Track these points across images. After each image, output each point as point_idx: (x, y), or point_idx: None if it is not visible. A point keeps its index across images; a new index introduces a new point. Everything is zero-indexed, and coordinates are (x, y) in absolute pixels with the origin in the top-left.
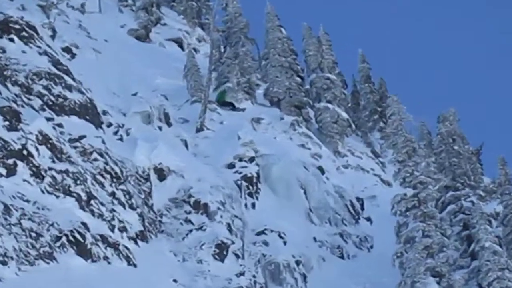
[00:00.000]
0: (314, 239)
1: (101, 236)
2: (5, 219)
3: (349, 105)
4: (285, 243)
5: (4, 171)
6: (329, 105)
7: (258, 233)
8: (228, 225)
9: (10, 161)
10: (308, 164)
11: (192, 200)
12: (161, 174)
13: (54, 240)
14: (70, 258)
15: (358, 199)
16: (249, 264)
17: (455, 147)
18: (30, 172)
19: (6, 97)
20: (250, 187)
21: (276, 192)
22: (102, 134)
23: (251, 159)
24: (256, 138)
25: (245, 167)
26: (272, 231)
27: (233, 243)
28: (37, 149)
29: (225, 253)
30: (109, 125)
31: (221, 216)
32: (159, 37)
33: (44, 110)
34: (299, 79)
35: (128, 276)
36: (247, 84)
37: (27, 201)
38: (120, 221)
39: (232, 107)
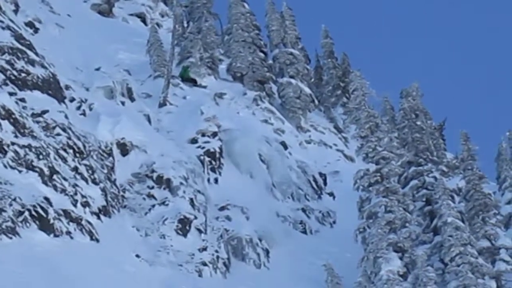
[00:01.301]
0: (277, 214)
1: (63, 211)
2: None
3: (312, 80)
4: (247, 218)
5: None
6: (292, 80)
7: (221, 208)
8: (191, 200)
9: None
10: (271, 139)
11: (155, 175)
12: (124, 149)
13: (17, 215)
14: (33, 233)
15: (321, 174)
16: (211, 239)
17: (418, 123)
18: None
19: None
20: (213, 162)
21: (239, 167)
22: (65, 109)
23: (214, 134)
24: (219, 113)
25: (208, 142)
26: (235, 206)
27: (195, 218)
28: None
29: (187, 228)
30: (72, 100)
31: (184, 191)
32: (122, 12)
33: (6, 85)
34: (262, 54)
35: (91, 251)
36: (210, 59)
37: None
38: (83, 196)
39: (194, 83)
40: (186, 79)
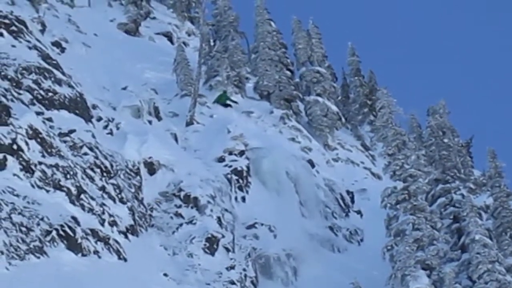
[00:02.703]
0: (305, 232)
1: (91, 230)
2: None
3: (339, 98)
4: (275, 236)
5: None
6: (319, 98)
7: (249, 227)
8: (218, 219)
9: (0, 156)
10: (298, 157)
11: (182, 194)
12: (151, 168)
13: (45, 235)
14: (60, 252)
15: (348, 192)
16: (239, 257)
17: (445, 140)
18: (20, 166)
19: None
20: (240, 181)
21: (266, 185)
22: (92, 128)
23: (241, 153)
24: (246, 131)
25: (235, 160)
26: (262, 224)
27: (223, 236)
28: (27, 144)
29: (215, 246)
30: (99, 119)
31: (211, 210)
32: (148, 31)
33: (34, 104)
34: (288, 73)
35: (118, 270)
36: (237, 77)
37: (17, 195)
38: (110, 215)
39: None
40: (225, 105)
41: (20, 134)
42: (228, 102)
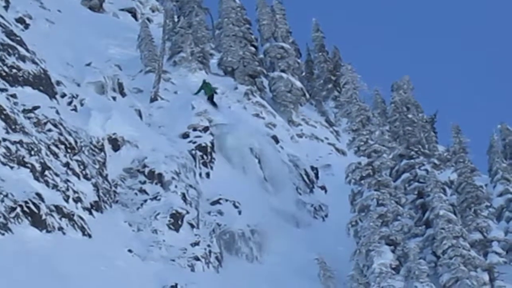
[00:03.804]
0: (269, 208)
1: (55, 206)
2: None
3: (303, 74)
4: (240, 212)
5: None
6: (283, 74)
7: (213, 203)
8: (183, 195)
9: None
10: (263, 133)
11: (146, 170)
12: (115, 144)
13: (9, 211)
14: (25, 229)
15: (312, 168)
16: (204, 233)
17: (409, 116)
18: None
19: None
20: (205, 157)
21: (231, 161)
22: (56, 104)
23: (205, 129)
24: (210, 107)
25: (199, 136)
26: (227, 200)
27: (187, 212)
28: None
29: (180, 223)
30: (63, 95)
31: (176, 186)
32: (112, 7)
33: None
34: (253, 49)
35: (83, 246)
36: (201, 54)
37: None
38: (75, 192)
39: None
40: (211, 97)
41: None
42: (213, 93)
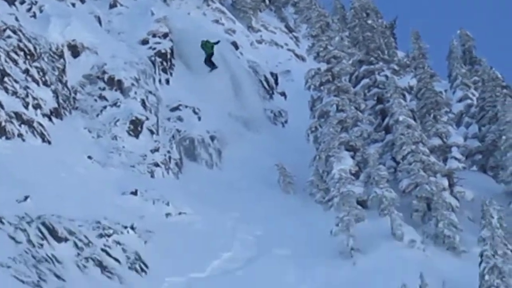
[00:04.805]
0: (229, 114)
1: (15, 113)
2: None
3: None
4: (199, 118)
5: None
6: None
7: (173, 109)
8: (142, 101)
9: None
10: (222, 39)
11: (106, 76)
12: (75, 50)
13: None
14: None
15: (272, 74)
16: (163, 140)
17: (369, 21)
18: None
19: None
20: (164, 63)
21: (190, 67)
22: (15, 11)
23: (165, 35)
24: (169, 14)
25: (159, 43)
26: (186, 106)
27: (147, 119)
28: None
29: (139, 129)
30: (22, 2)
31: (135, 92)
32: None
33: None
34: None
35: (43, 153)
36: None
37: None
38: (34, 98)
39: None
40: (210, 56)
41: None
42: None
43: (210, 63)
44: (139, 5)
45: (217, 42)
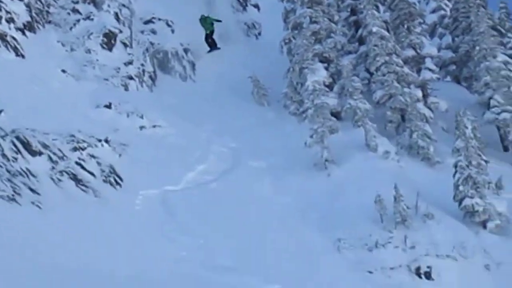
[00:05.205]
0: (202, 27)
1: None
2: None
3: None
4: (173, 31)
5: None
6: None
7: (146, 22)
8: (116, 14)
9: None
10: None
11: None
12: None
13: None
14: None
15: None
16: (137, 52)
17: None
18: None
19: None
20: None
21: None
22: None
23: None
24: None
25: None
26: (159, 19)
27: (121, 32)
28: None
29: (113, 42)
30: None
31: (109, 5)
32: None
33: None
34: None
35: (16, 67)
36: None
37: None
38: (7, 12)
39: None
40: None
41: None
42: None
43: (211, 41)
44: None
45: (219, 21)
